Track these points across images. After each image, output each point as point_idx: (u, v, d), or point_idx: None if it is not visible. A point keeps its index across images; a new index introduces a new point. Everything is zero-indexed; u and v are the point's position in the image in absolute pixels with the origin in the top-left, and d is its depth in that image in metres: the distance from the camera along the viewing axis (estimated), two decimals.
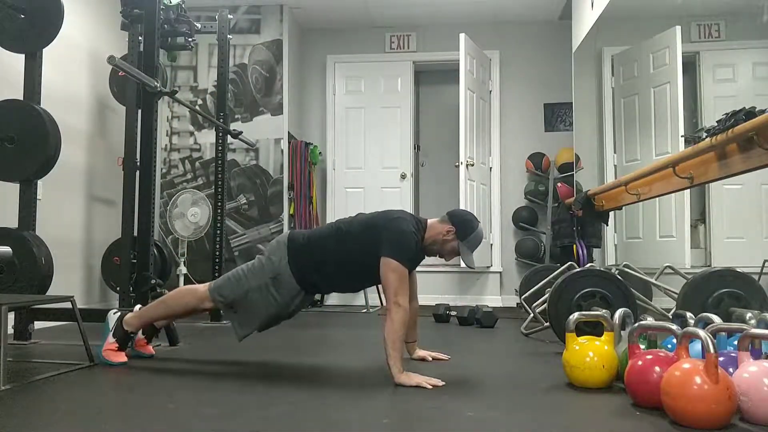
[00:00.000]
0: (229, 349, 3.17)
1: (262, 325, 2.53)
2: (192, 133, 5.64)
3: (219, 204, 4.46)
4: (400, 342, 2.27)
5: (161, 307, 2.65)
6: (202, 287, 2.58)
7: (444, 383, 2.21)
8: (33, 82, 3.19)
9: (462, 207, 5.31)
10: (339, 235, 2.48)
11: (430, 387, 2.17)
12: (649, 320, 2.32)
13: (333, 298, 5.88)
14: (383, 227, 2.40)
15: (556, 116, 5.97)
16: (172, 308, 2.63)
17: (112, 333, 2.59)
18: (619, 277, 3.00)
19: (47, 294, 3.11)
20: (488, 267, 5.85)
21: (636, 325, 2.11)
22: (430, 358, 2.72)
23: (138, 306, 2.75)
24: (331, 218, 6.06)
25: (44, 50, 3.25)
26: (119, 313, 2.65)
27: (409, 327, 2.53)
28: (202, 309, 2.63)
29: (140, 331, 2.70)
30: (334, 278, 2.52)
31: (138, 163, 3.36)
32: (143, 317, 2.64)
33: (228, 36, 4.53)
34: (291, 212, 5.58)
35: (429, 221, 2.55)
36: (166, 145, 5.64)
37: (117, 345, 2.58)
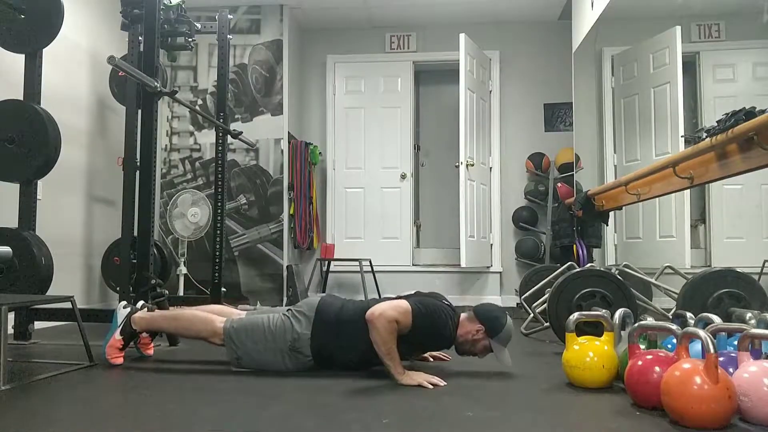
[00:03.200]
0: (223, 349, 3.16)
1: (259, 369, 2.50)
2: (192, 133, 5.63)
3: (219, 204, 4.46)
4: (393, 347, 2.27)
5: (173, 324, 2.64)
6: (219, 323, 2.52)
7: (445, 383, 2.22)
8: (33, 82, 3.19)
9: (462, 208, 5.32)
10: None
11: (431, 387, 2.18)
12: (649, 320, 2.32)
13: None
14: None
15: (556, 116, 5.97)
16: (182, 329, 2.63)
17: (120, 330, 2.58)
18: (619, 277, 3.00)
19: (47, 294, 3.11)
20: (488, 267, 5.85)
21: (636, 325, 2.11)
22: (431, 359, 2.72)
23: (141, 302, 2.75)
24: (331, 218, 6.07)
25: (44, 50, 3.26)
26: (129, 308, 2.64)
27: None
28: (210, 342, 2.55)
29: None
30: (354, 360, 2.46)
31: (138, 163, 3.36)
32: (152, 324, 2.64)
33: (228, 36, 4.53)
34: (291, 212, 5.58)
35: (460, 317, 2.50)
36: (166, 145, 5.64)
37: (122, 342, 2.57)
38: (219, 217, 4.46)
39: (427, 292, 2.66)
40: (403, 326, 2.31)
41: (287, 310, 2.53)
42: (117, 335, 2.57)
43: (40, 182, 3.31)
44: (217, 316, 2.59)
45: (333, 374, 2.43)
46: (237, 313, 2.65)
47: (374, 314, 2.28)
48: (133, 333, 2.61)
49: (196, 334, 2.59)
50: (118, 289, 3.87)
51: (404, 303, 2.36)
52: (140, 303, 2.74)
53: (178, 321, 2.63)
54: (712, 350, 1.68)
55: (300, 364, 2.46)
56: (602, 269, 3.26)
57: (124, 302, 2.71)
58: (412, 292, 2.66)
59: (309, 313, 2.46)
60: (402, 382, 2.22)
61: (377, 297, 5.45)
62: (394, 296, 2.57)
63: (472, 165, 5.49)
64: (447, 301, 2.56)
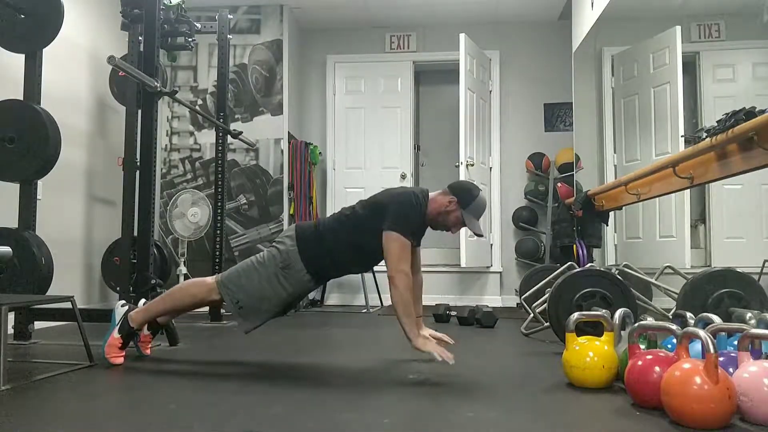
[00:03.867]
0: (229, 349, 3.17)
1: (271, 315, 2.54)
2: (192, 133, 5.64)
3: (219, 204, 4.46)
4: (410, 307, 2.35)
5: (168, 300, 2.64)
6: (210, 279, 2.59)
7: (453, 362, 2.24)
8: (33, 82, 3.19)
9: None
10: (348, 221, 2.54)
11: (440, 359, 2.25)
12: (649, 320, 2.33)
13: (333, 299, 5.88)
14: (387, 204, 2.48)
15: (556, 116, 5.97)
16: (178, 300, 2.62)
17: (118, 328, 2.58)
18: (619, 277, 3.00)
19: (47, 294, 3.11)
20: (488, 267, 5.85)
21: (636, 325, 2.11)
22: (434, 341, 2.74)
23: (142, 301, 2.75)
24: None
25: (44, 50, 3.25)
26: (127, 306, 2.64)
27: (413, 301, 2.57)
28: (209, 301, 2.62)
29: (145, 327, 2.69)
30: (346, 262, 2.57)
31: (138, 163, 3.36)
32: (149, 311, 2.63)
33: (228, 36, 4.53)
34: (291, 212, 5.58)
35: (431, 194, 2.59)
36: (166, 145, 5.64)
37: (121, 341, 2.57)
38: (219, 217, 4.46)
39: (397, 187, 2.72)
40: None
41: (269, 246, 2.62)
42: (115, 334, 2.57)
43: (40, 182, 3.31)
44: (205, 277, 2.65)
45: (333, 374, 2.43)
46: None
47: (392, 270, 2.37)
48: (131, 331, 2.60)
49: (192, 299, 2.60)
50: (118, 289, 3.87)
51: (397, 239, 2.41)
52: (142, 302, 2.74)
53: (172, 296, 2.63)
54: (712, 350, 1.67)
55: (298, 284, 2.50)
56: (602, 269, 3.26)
57: (122, 301, 2.71)
58: (381, 191, 2.68)
59: (290, 234, 2.54)
60: (416, 345, 2.28)
61: (379, 299, 5.45)
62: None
63: (472, 165, 5.49)
64: (411, 188, 2.66)
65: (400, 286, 2.36)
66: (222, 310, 4.17)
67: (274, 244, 2.59)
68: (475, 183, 2.68)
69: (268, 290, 2.48)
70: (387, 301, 5.51)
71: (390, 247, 2.40)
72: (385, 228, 2.42)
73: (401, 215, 2.46)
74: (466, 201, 2.53)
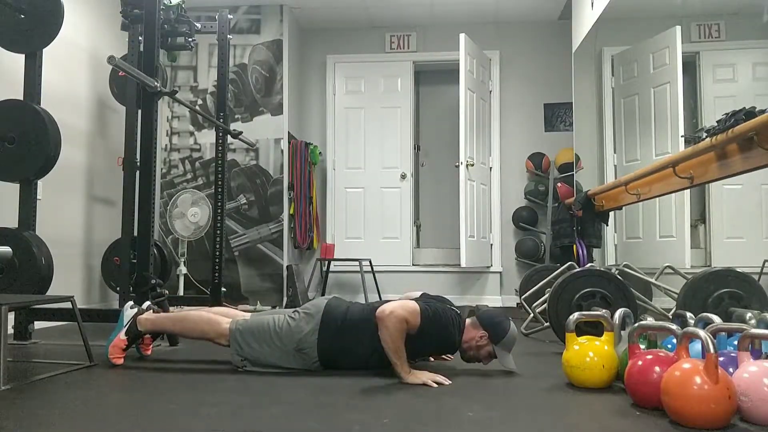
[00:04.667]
0: (229, 349, 3.16)
1: (264, 369, 2.51)
2: (192, 133, 5.63)
3: (219, 204, 4.46)
4: (400, 349, 2.29)
5: (178, 325, 2.65)
6: (225, 324, 2.53)
7: (450, 381, 2.23)
8: (33, 82, 3.19)
9: (462, 208, 5.32)
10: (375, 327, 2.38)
11: (436, 386, 2.21)
12: (649, 320, 2.32)
13: None
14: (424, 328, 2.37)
15: (556, 116, 5.97)
16: (188, 330, 2.63)
17: (125, 330, 2.59)
18: (619, 277, 3.00)
19: (47, 294, 3.11)
20: (488, 267, 5.85)
21: (636, 325, 2.11)
22: (432, 359, 2.73)
23: (147, 303, 2.75)
24: (331, 218, 6.07)
25: (44, 50, 3.25)
26: (135, 309, 2.65)
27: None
28: (215, 342, 2.57)
29: None
30: (360, 362, 2.48)
31: (138, 163, 3.36)
32: (156, 326, 2.65)
33: (228, 36, 4.53)
34: (291, 212, 5.58)
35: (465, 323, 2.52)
36: (166, 145, 5.64)
37: (126, 343, 2.58)
38: (219, 217, 4.46)
39: (434, 295, 2.68)
40: (411, 326, 2.32)
41: (293, 312, 2.54)
42: (122, 335, 2.58)
43: (40, 182, 3.31)
44: (222, 317, 2.60)
45: (333, 374, 2.43)
46: (241, 315, 2.66)
47: (384, 312, 2.30)
48: (138, 334, 2.61)
49: (201, 334, 2.59)
50: (118, 289, 3.87)
51: (413, 304, 2.38)
52: (146, 304, 2.74)
53: (184, 323, 2.63)
54: (712, 350, 1.67)
55: (305, 365, 2.48)
56: (602, 269, 3.26)
57: (131, 302, 2.72)
58: (418, 294, 2.67)
59: (316, 315, 2.47)
60: (407, 381, 2.24)
61: (379, 299, 5.46)
62: (396, 297, 2.58)
63: (472, 165, 5.49)
64: (454, 306, 2.58)
65: (390, 326, 2.27)
66: None
67: (297, 313, 2.51)
68: (504, 315, 2.54)
69: (276, 361, 2.47)
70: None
71: (402, 302, 2.37)
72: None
73: (440, 331, 2.40)
74: (498, 336, 2.45)
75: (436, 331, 2.41)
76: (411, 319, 2.32)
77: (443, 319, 2.42)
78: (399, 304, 2.35)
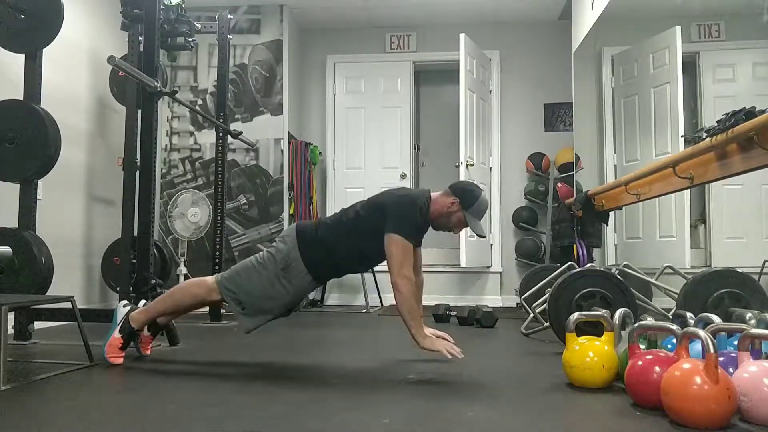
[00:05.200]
0: (229, 349, 3.17)
1: (273, 315, 2.54)
2: (192, 133, 5.64)
3: (219, 204, 4.46)
4: (415, 311, 2.36)
5: (168, 300, 2.63)
6: (210, 278, 2.59)
7: (463, 355, 2.24)
8: (33, 82, 3.19)
9: None
10: (348, 222, 2.53)
11: (449, 357, 2.26)
12: (649, 320, 2.32)
13: (333, 299, 5.88)
14: (389, 205, 2.47)
15: (556, 116, 5.97)
16: (179, 301, 2.62)
17: (119, 328, 2.58)
18: (619, 277, 3.00)
19: (47, 294, 3.11)
20: (488, 267, 5.85)
21: (636, 325, 2.11)
22: (441, 340, 2.73)
23: (143, 302, 2.75)
24: None
25: (44, 50, 3.25)
26: (129, 307, 2.64)
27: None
28: (209, 301, 2.62)
29: (146, 328, 2.69)
30: (347, 263, 2.57)
31: (138, 163, 3.36)
32: (150, 312, 2.64)
33: (228, 36, 4.53)
34: (291, 212, 5.58)
35: (432, 195, 2.59)
36: (166, 145, 5.64)
37: (122, 342, 2.57)
38: (219, 217, 4.46)
39: (398, 188, 2.74)
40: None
41: (269, 246, 2.61)
42: (116, 334, 2.57)
43: (40, 182, 3.31)
44: (205, 277, 2.65)
45: (333, 374, 2.43)
46: None
47: (395, 275, 2.37)
48: (132, 331, 2.59)
49: (193, 298, 2.60)
50: (118, 289, 3.87)
51: (399, 242, 2.41)
52: (142, 302, 2.74)
53: (172, 296, 2.63)
54: (712, 350, 1.67)
55: (300, 284, 2.49)
56: (602, 269, 3.26)
57: (124, 301, 2.72)
58: (382, 192, 2.70)
59: (290, 234, 2.54)
60: (423, 345, 2.28)
61: (379, 299, 5.45)
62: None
63: (472, 165, 5.49)
64: (413, 189, 2.70)
65: (404, 291, 2.36)
66: (222, 310, 4.17)
67: (274, 244, 2.59)
68: (476, 183, 2.67)
69: (269, 291, 2.48)
70: (387, 301, 5.51)
71: (392, 251, 2.40)
72: (387, 230, 2.42)
73: (404, 217, 2.45)
74: (468, 202, 2.53)
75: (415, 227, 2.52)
76: (410, 257, 2.41)
77: (413, 214, 2.49)
78: (398, 261, 2.39)
